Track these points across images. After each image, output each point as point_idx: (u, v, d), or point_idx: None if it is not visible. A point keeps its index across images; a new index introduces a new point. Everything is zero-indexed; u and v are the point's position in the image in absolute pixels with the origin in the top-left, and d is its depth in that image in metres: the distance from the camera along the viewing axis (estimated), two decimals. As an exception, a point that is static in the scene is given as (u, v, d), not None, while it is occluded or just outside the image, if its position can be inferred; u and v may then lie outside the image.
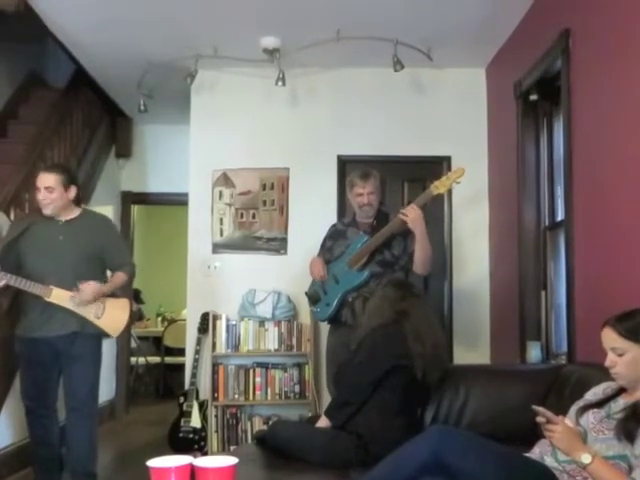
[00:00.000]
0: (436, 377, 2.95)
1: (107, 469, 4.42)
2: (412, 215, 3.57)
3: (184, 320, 5.63)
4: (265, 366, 4.75)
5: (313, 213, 4.89)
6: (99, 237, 3.65)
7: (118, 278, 3.69)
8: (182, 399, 4.77)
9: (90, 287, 3.46)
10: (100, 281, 3.63)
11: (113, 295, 3.64)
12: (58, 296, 3.44)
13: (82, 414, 3.54)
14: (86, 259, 3.56)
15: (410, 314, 2.96)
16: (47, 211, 3.55)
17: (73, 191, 3.60)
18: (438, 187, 3.60)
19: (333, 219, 4.58)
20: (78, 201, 3.68)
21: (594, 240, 3.12)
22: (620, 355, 2.03)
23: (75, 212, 3.65)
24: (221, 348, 4.78)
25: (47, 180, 3.53)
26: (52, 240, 3.54)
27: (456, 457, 2.00)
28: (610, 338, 2.05)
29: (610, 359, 2.06)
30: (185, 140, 5.19)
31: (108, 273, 3.77)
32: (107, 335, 3.66)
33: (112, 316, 3.61)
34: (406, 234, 3.70)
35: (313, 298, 3.98)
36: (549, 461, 2.13)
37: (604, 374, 2.16)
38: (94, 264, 3.62)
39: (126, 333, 5.92)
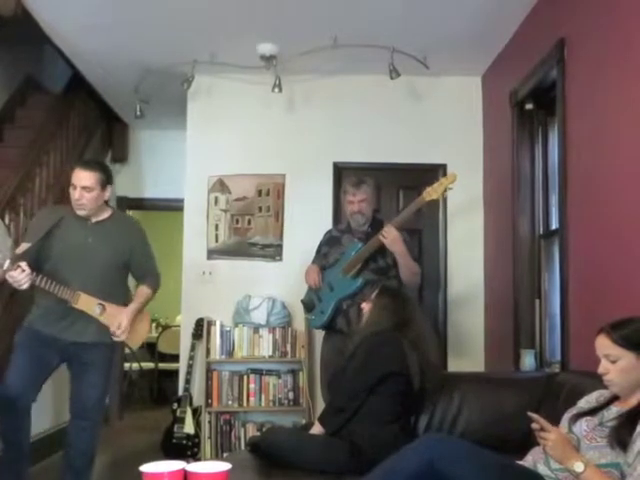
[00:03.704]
0: (432, 386, 2.95)
1: (100, 475, 4.39)
2: (389, 238, 3.59)
3: (178, 326, 5.62)
4: (259, 372, 4.74)
5: (309, 219, 4.89)
6: (129, 242, 3.48)
7: (144, 294, 3.53)
8: (176, 405, 4.75)
9: (125, 319, 3.34)
10: (124, 288, 3.52)
11: None
12: (85, 303, 3.26)
13: (88, 424, 3.42)
14: (114, 265, 3.41)
15: (409, 324, 2.98)
16: (81, 213, 3.33)
17: (109, 191, 3.39)
18: (430, 193, 3.61)
19: (328, 225, 4.58)
20: (107, 202, 3.50)
21: (588, 249, 3.13)
22: (613, 362, 2.04)
23: (106, 213, 3.45)
24: (215, 354, 4.77)
25: (86, 179, 3.27)
26: (80, 241, 3.33)
27: (449, 465, 2.00)
28: (604, 345, 2.06)
29: (603, 366, 2.06)
30: (181, 146, 5.19)
31: None
32: (126, 346, 3.58)
33: (134, 328, 3.46)
34: None
35: (308, 306, 3.98)
36: (542, 469, 2.13)
37: (597, 382, 2.16)
38: (121, 270, 3.47)
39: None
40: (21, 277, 3.04)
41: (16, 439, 3.29)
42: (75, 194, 3.28)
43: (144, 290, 3.55)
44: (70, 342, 3.32)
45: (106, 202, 3.48)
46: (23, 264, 3.06)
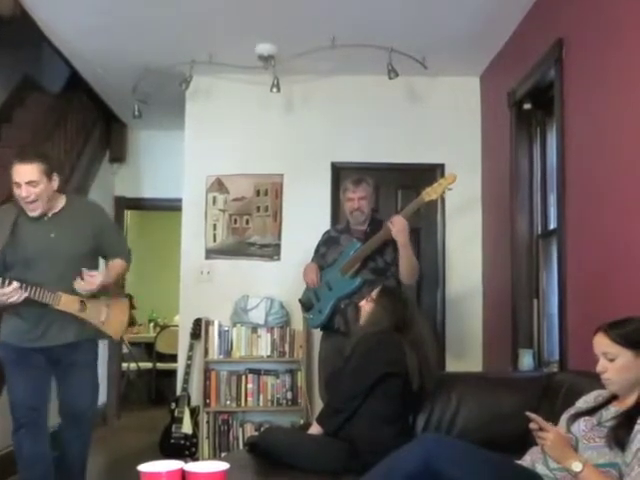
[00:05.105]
0: (431, 387, 2.96)
1: (98, 475, 4.40)
2: (397, 226, 3.59)
3: (176, 326, 5.62)
4: (257, 372, 4.74)
5: (307, 219, 4.89)
6: (93, 226, 3.28)
7: (118, 265, 3.36)
8: (174, 405, 4.75)
9: (97, 279, 3.14)
10: None
11: (114, 295, 3.39)
12: (66, 303, 3.13)
13: (82, 430, 3.34)
14: (83, 254, 3.22)
15: (409, 325, 2.98)
16: (34, 213, 3.11)
17: (56, 180, 3.15)
18: (430, 194, 3.61)
19: (327, 225, 4.58)
20: (59, 189, 3.24)
21: (586, 248, 3.13)
22: (611, 360, 2.04)
23: (60, 202, 3.22)
24: (213, 354, 4.77)
25: (28, 173, 3.02)
26: (44, 240, 3.13)
27: (447, 465, 2.00)
28: (602, 343, 2.06)
29: (601, 364, 2.07)
30: (179, 146, 5.19)
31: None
32: (109, 338, 3.46)
33: (114, 319, 3.36)
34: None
35: (306, 305, 3.98)
36: (540, 469, 2.14)
37: (596, 382, 2.16)
38: (91, 258, 3.31)
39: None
40: (9, 290, 2.95)
41: (41, 458, 3.24)
42: (22, 192, 3.04)
43: (117, 262, 3.37)
44: (56, 346, 3.19)
45: (59, 190, 3.25)
46: (13, 282, 2.97)
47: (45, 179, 3.09)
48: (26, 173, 3.04)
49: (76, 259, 3.19)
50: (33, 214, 3.12)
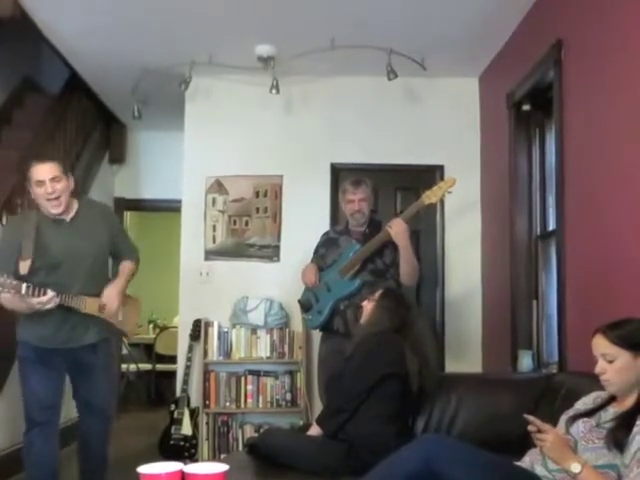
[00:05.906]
0: (431, 388, 2.96)
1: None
2: (396, 228, 3.60)
3: (176, 327, 5.61)
4: (257, 374, 4.74)
5: (306, 220, 4.89)
6: (107, 229, 3.40)
7: (128, 269, 3.47)
8: (173, 406, 4.75)
9: (115, 295, 3.28)
10: (107, 274, 3.45)
11: (125, 295, 3.46)
12: (89, 305, 3.22)
13: (104, 419, 3.43)
14: (101, 257, 3.36)
15: (410, 326, 2.98)
16: (58, 209, 3.18)
17: (72, 181, 3.26)
18: (429, 197, 3.62)
19: (326, 227, 4.58)
20: (72, 193, 3.33)
21: (585, 249, 3.13)
22: (610, 362, 2.04)
23: (74, 205, 3.29)
24: (213, 355, 4.77)
25: (51, 170, 3.13)
26: (66, 244, 3.20)
27: (447, 466, 2.01)
28: (601, 345, 2.07)
29: (600, 366, 2.07)
30: (179, 146, 5.19)
31: None
32: (126, 337, 3.58)
33: (129, 317, 3.47)
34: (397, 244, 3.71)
35: (305, 306, 3.98)
36: (539, 470, 2.14)
37: (595, 383, 2.17)
38: (106, 259, 3.42)
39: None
40: (46, 300, 3.01)
41: (49, 461, 3.28)
42: (48, 188, 3.12)
43: (128, 264, 3.49)
44: (78, 347, 3.27)
45: (71, 194, 3.32)
46: (48, 291, 3.04)
47: (65, 176, 3.20)
48: (49, 170, 3.14)
49: (96, 262, 3.31)
50: (56, 211, 3.18)
